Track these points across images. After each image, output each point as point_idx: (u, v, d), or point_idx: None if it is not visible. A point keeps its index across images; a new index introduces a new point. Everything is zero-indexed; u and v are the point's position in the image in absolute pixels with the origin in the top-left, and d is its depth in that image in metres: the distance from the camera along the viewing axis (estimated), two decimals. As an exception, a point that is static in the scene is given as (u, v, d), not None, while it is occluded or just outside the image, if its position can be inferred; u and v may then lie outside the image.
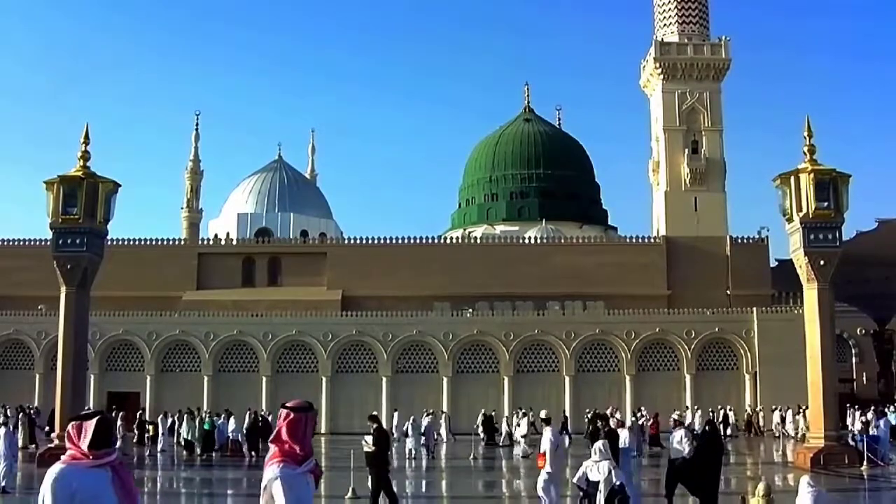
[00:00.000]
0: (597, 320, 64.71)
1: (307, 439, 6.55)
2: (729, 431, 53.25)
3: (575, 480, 17.79)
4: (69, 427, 6.25)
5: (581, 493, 17.53)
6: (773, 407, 57.57)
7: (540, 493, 18.04)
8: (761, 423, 58.86)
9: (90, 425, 6.15)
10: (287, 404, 6.78)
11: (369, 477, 20.38)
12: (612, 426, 20.71)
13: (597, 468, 16.64)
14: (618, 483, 16.44)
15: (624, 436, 20.03)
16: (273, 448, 6.51)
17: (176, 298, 70.12)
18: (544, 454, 18.45)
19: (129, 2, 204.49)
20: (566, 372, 63.13)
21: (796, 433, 51.10)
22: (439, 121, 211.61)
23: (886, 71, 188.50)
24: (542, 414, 20.49)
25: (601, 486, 16.45)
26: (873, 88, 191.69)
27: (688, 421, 46.93)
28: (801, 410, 52.53)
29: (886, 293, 65.46)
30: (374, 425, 21.09)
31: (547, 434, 18.66)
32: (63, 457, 6.18)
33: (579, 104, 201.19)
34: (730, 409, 57.70)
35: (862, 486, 28.44)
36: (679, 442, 20.10)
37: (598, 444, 17.59)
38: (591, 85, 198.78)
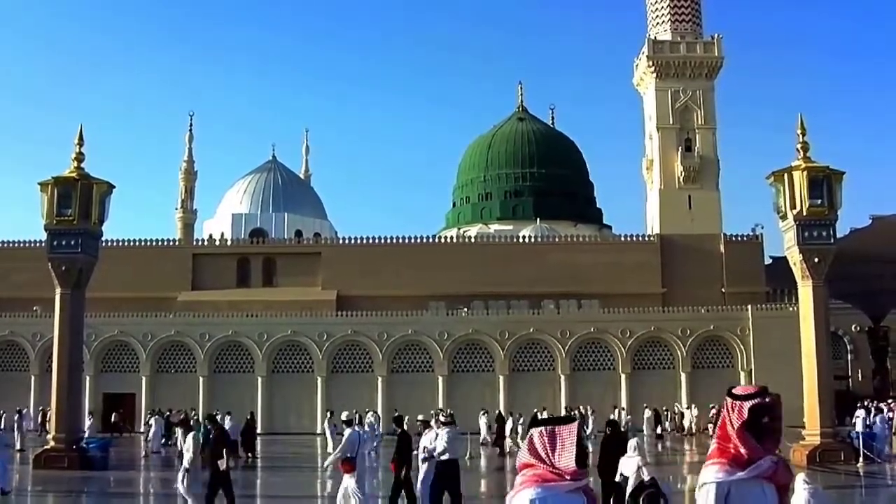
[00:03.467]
0: (592, 319, 64.72)
1: (749, 436, 4.94)
2: (659, 430, 53.42)
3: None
4: (534, 436, 4.83)
5: (619, 488, 17.81)
6: (710, 405, 57.28)
7: (354, 495, 17.54)
8: (692, 423, 58.49)
9: (569, 435, 4.75)
10: (734, 390, 5.13)
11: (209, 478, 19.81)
12: (405, 429, 20.39)
13: (628, 463, 17.00)
14: (647, 478, 16.70)
15: (430, 437, 19.42)
16: (713, 445, 5.09)
17: (171, 299, 70.11)
18: (347, 460, 17.72)
19: (123, 2, 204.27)
20: (561, 371, 63.14)
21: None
22: (433, 120, 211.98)
23: (879, 68, 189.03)
24: (343, 416, 19.69)
25: (630, 480, 16.75)
26: (866, 85, 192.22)
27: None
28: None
29: (880, 290, 65.59)
30: (214, 426, 21.06)
31: (347, 434, 18.13)
32: (522, 477, 4.80)
33: (573, 103, 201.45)
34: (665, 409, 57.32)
35: (858, 483, 28.50)
36: (444, 440, 19.17)
37: (633, 440, 17.91)
38: (585, 83, 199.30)
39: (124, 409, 59.71)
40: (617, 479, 17.64)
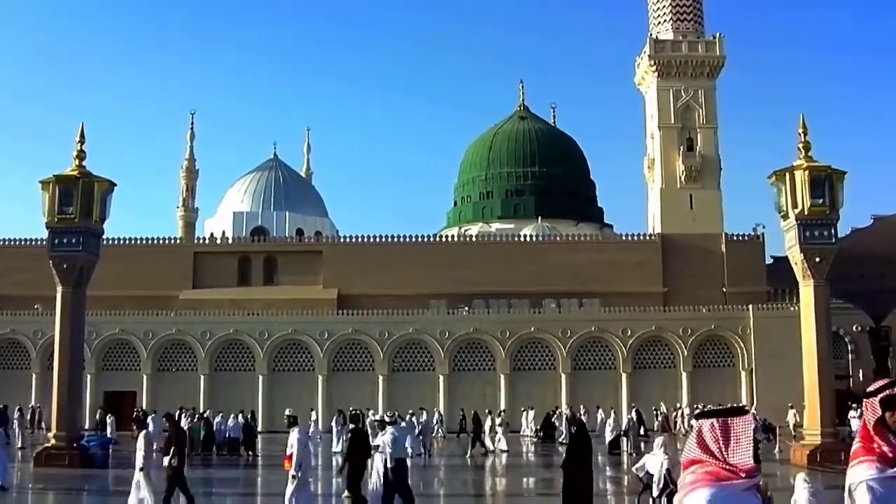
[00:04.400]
0: (593, 318, 64.76)
1: (888, 433, 4.56)
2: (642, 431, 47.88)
3: (634, 469, 18.33)
4: (703, 428, 4.39)
5: (641, 484, 18.44)
6: (681, 405, 57.04)
7: (287, 499, 17.49)
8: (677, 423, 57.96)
9: (744, 428, 4.36)
10: (868, 389, 4.79)
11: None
12: (361, 426, 20.50)
13: (654, 461, 17.30)
14: (671, 475, 17.06)
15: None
16: (857, 444, 4.70)
17: (172, 297, 70.11)
18: (290, 457, 17.75)
19: (124, 1, 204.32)
20: (562, 370, 63.18)
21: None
22: (434, 119, 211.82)
23: (881, 67, 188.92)
24: (288, 412, 19.55)
25: (655, 478, 17.01)
26: (868, 85, 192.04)
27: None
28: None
29: (882, 290, 65.48)
30: (171, 423, 21.15)
31: (293, 435, 18.07)
32: (692, 475, 4.34)
33: (574, 101, 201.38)
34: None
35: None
36: (387, 440, 19.29)
37: (659, 438, 18.23)
38: (586, 82, 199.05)
39: (117, 409, 59.63)
40: (640, 475, 17.95)
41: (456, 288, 69.14)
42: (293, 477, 17.60)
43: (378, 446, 19.41)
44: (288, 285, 72.80)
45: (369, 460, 20.26)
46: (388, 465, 18.78)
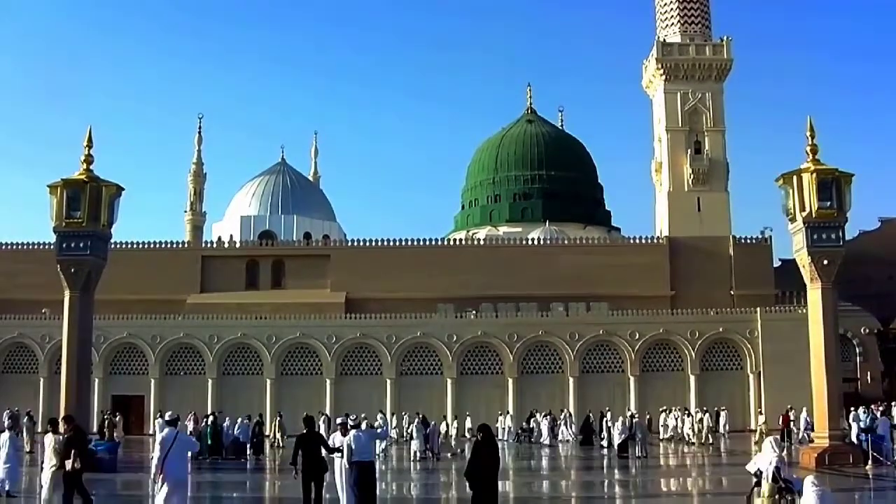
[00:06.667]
0: (600, 321, 64.71)
1: None
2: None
3: (748, 468, 19.75)
4: None
5: (755, 481, 19.38)
6: (662, 409, 56.70)
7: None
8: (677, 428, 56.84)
9: None
10: None
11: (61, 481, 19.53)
12: (315, 429, 20.61)
13: (763, 459, 18.63)
14: (780, 472, 18.44)
15: (346, 439, 19.61)
16: None
17: (180, 301, 70.18)
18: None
19: (131, 3, 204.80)
20: (570, 373, 63.17)
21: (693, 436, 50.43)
22: (442, 122, 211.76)
23: (888, 70, 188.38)
24: (167, 416, 19.00)
25: (765, 475, 18.55)
26: (875, 88, 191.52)
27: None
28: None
29: (889, 292, 65.48)
30: (69, 425, 20.93)
31: (160, 437, 17.40)
32: None
33: (582, 105, 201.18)
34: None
35: (867, 486, 28.44)
36: (349, 443, 19.26)
37: (770, 439, 19.60)
38: (594, 85, 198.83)
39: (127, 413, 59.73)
40: (752, 471, 19.38)
41: (464, 291, 69.15)
42: (175, 483, 16.77)
43: (339, 449, 19.48)
44: (296, 289, 72.82)
45: (334, 463, 20.13)
46: (345, 467, 19.11)
